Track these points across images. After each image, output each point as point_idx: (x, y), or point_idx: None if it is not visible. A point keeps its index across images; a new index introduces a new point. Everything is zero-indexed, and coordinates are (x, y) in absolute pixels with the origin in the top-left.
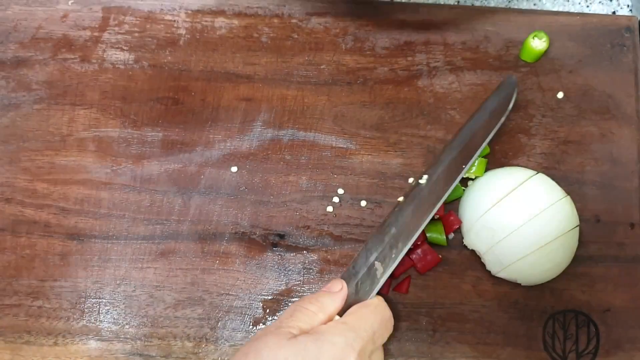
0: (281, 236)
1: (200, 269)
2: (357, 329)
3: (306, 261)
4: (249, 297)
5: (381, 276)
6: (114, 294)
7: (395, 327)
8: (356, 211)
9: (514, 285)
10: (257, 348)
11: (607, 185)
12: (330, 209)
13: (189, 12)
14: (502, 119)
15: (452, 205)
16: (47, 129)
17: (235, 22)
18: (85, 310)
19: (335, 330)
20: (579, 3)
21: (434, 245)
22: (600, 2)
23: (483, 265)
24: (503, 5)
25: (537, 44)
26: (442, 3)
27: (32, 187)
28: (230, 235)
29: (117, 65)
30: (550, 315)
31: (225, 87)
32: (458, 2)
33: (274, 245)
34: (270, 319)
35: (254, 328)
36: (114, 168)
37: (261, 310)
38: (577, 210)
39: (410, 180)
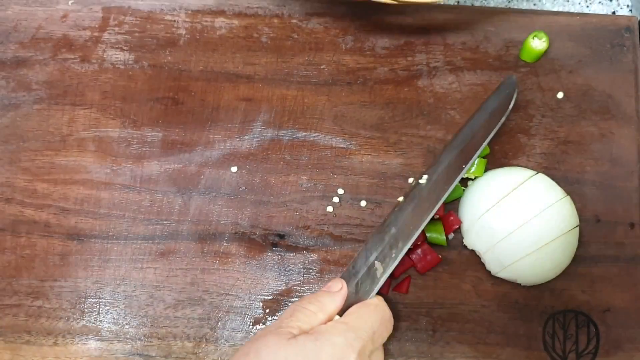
0: (281, 236)
1: (200, 269)
2: (357, 329)
3: (306, 261)
4: (249, 297)
5: (381, 276)
6: (114, 294)
7: (395, 327)
8: (356, 211)
9: (513, 285)
10: (257, 348)
11: (607, 185)
12: (330, 209)
13: (189, 12)
14: (503, 119)
15: (452, 205)
16: (47, 129)
17: (235, 22)
18: (85, 310)
19: (335, 330)
20: (579, 3)
21: (434, 245)
22: (600, 2)
23: (483, 265)
24: (503, 6)
25: (537, 44)
26: (442, 3)
27: (32, 187)
28: (230, 235)
29: (117, 65)
30: (550, 315)
31: (225, 87)
32: (458, 2)
33: (274, 245)
34: (270, 319)
35: (254, 328)
36: (114, 168)
37: (261, 310)
38: (577, 210)
39: (410, 180)
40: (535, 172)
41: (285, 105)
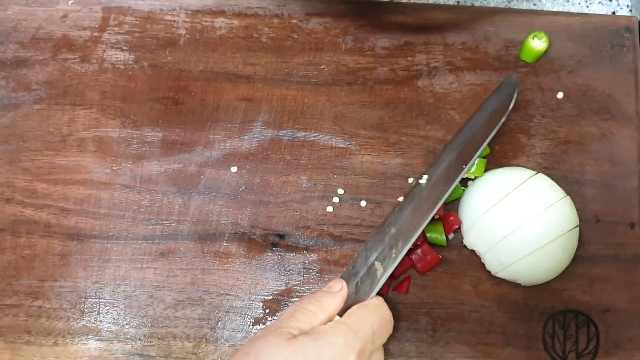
0: (281, 236)
1: (200, 269)
2: (357, 329)
3: (306, 261)
4: (249, 297)
5: (381, 276)
6: (114, 294)
7: (395, 327)
8: (356, 211)
9: (513, 285)
10: (256, 348)
11: (607, 185)
12: (330, 209)
13: (189, 12)
14: (503, 119)
15: (452, 205)
16: (47, 129)
17: (235, 22)
18: (85, 310)
19: (334, 331)
20: (579, 3)
21: (434, 245)
22: (600, 2)
23: (483, 265)
24: (503, 6)
25: (537, 44)
26: (442, 3)
27: (32, 187)
28: (230, 235)
29: (117, 65)
30: (550, 316)
31: (225, 87)
32: (458, 2)
33: (274, 245)
34: (270, 319)
35: (254, 328)
36: (114, 168)
37: (261, 310)
38: (577, 210)
39: (410, 180)
40: (535, 172)
41: (285, 105)
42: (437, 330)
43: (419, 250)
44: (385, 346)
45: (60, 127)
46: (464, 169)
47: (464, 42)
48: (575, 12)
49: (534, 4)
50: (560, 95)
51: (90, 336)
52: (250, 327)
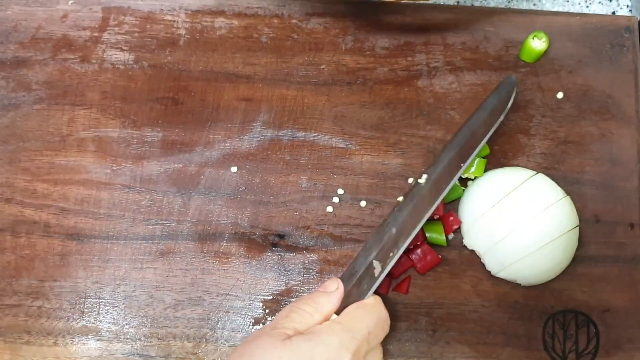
0: (281, 236)
1: (200, 269)
2: (353, 329)
3: (306, 261)
4: (249, 297)
5: (379, 275)
6: (114, 294)
7: (395, 327)
8: (356, 211)
9: (513, 285)
10: (251, 349)
11: (606, 185)
12: (330, 209)
13: (189, 12)
14: (501, 118)
15: (452, 205)
16: (47, 129)
17: (235, 22)
18: (85, 310)
19: (329, 331)
20: (579, 3)
21: (433, 245)
22: (600, 2)
23: (483, 265)
24: (503, 6)
25: (537, 44)
26: (442, 3)
27: (32, 187)
28: (230, 235)
29: (117, 66)
30: (550, 316)
31: (225, 87)
32: (458, 2)
33: (274, 245)
34: (270, 319)
35: (254, 328)
36: (114, 168)
37: (261, 311)
38: (577, 210)
39: (410, 180)
40: (535, 172)
41: (285, 105)
42: (437, 330)
43: (419, 251)
44: (385, 346)
45: (60, 127)
46: (462, 167)
47: (464, 42)
48: (575, 12)
49: (534, 4)
50: (560, 95)
51: (90, 336)
52: (250, 327)
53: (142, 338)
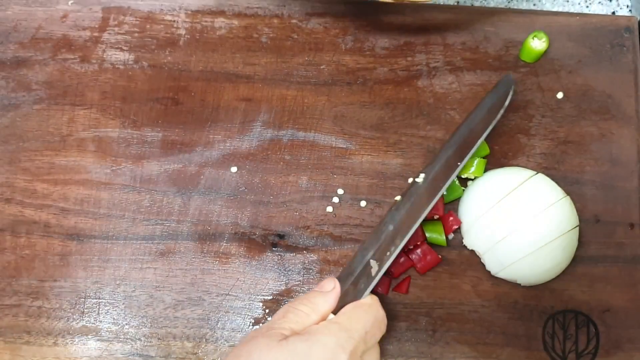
0: (281, 236)
1: (200, 269)
2: (349, 329)
3: (306, 261)
4: (249, 297)
5: (376, 274)
6: (114, 294)
7: (395, 328)
8: (356, 211)
9: (513, 285)
10: (248, 350)
11: (606, 185)
12: (330, 209)
13: (189, 12)
14: (498, 117)
15: (452, 205)
16: (47, 129)
17: (235, 22)
18: (85, 310)
19: (326, 331)
20: (579, 3)
21: (433, 245)
22: (599, 2)
23: (483, 265)
24: (503, 6)
25: (537, 44)
26: (442, 3)
27: (32, 187)
28: (230, 235)
29: (117, 66)
30: (550, 316)
31: (225, 87)
32: (458, 2)
33: (274, 245)
34: (270, 319)
35: (254, 328)
36: (114, 168)
37: (261, 311)
38: (577, 210)
39: (410, 180)
40: (535, 172)
41: (285, 105)
42: (437, 330)
43: (419, 251)
44: (385, 346)
45: (60, 127)
46: (459, 166)
47: (464, 42)
48: (575, 12)
49: (534, 4)
50: (560, 95)
51: (90, 336)
52: (250, 327)
53: (142, 338)
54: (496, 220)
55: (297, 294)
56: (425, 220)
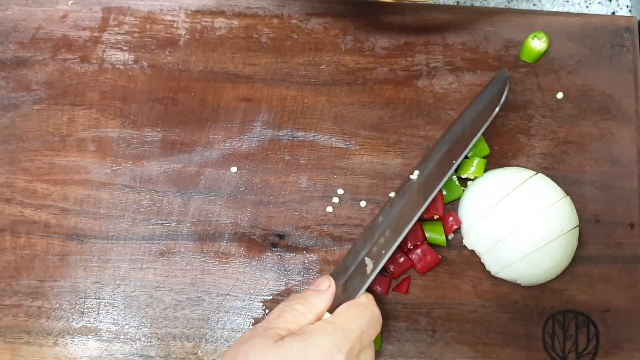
0: (281, 236)
1: (199, 269)
2: (346, 329)
3: (306, 261)
4: (249, 297)
5: (371, 272)
6: (114, 294)
7: (395, 328)
8: (356, 211)
9: (513, 285)
10: (245, 351)
11: (606, 185)
12: (329, 209)
13: (189, 12)
14: (494, 114)
15: (452, 205)
16: (47, 129)
17: (235, 22)
18: (85, 310)
19: (322, 331)
20: (579, 3)
21: (433, 245)
22: (599, 2)
23: (483, 265)
24: (502, 6)
25: (537, 44)
26: (442, 3)
27: (32, 187)
28: (230, 235)
29: (116, 66)
30: (549, 316)
31: (225, 87)
32: (458, 2)
33: (274, 245)
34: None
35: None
36: (114, 168)
37: (261, 311)
38: (577, 210)
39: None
40: (535, 172)
41: (285, 105)
42: (437, 330)
43: (418, 251)
44: (385, 346)
45: (60, 127)
46: (454, 163)
47: (464, 43)
48: (575, 12)
49: (534, 4)
50: (560, 95)
51: (89, 336)
52: (250, 327)
53: (141, 338)
54: (496, 220)
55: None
56: (425, 221)
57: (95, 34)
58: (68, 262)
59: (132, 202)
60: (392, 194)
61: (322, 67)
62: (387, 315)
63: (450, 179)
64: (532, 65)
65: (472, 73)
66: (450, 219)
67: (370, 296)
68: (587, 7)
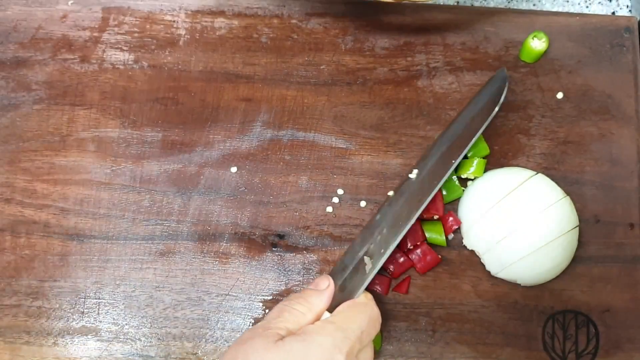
0: (281, 236)
1: (199, 269)
2: (346, 329)
3: (306, 261)
4: (249, 297)
5: (370, 271)
6: (114, 294)
7: (395, 328)
8: (356, 211)
9: (513, 285)
10: (245, 351)
11: (606, 185)
12: (329, 209)
13: (189, 12)
14: (494, 113)
15: (452, 205)
16: (47, 129)
17: (235, 22)
18: (85, 310)
19: (322, 331)
20: (579, 3)
21: (433, 245)
22: (599, 2)
23: (483, 265)
24: (502, 6)
25: (537, 44)
26: (442, 3)
27: (32, 187)
28: (229, 235)
29: (116, 66)
30: (549, 316)
31: (225, 87)
32: (458, 2)
33: (274, 245)
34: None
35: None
36: (114, 168)
37: (261, 311)
38: (577, 210)
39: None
40: (535, 173)
41: (285, 105)
42: (437, 330)
43: (418, 251)
44: (385, 346)
45: (60, 127)
46: (453, 163)
47: (464, 43)
48: (575, 12)
49: (534, 4)
50: (560, 95)
51: (89, 336)
52: (250, 327)
53: (141, 338)
54: (496, 221)
55: None
56: (425, 220)
57: (95, 34)
58: (68, 262)
59: (132, 202)
60: (390, 193)
61: (322, 67)
62: (387, 315)
63: (450, 179)
64: (532, 65)
65: (472, 73)
66: (450, 219)
67: (369, 295)
68: (587, 7)
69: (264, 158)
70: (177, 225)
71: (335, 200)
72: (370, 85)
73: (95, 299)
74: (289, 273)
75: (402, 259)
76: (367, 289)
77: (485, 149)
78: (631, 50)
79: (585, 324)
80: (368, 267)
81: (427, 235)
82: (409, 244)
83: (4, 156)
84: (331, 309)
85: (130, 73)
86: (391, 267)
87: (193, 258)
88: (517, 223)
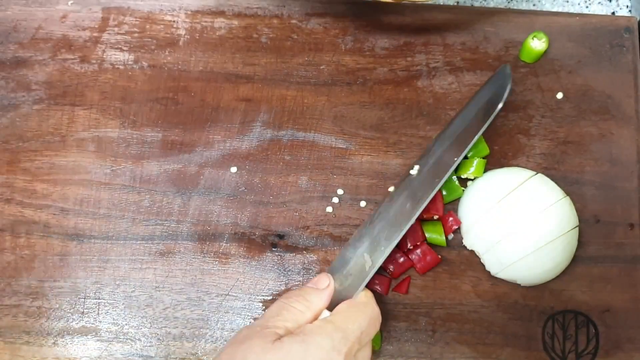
0: (281, 236)
1: (199, 269)
2: (345, 329)
3: (306, 261)
4: (249, 297)
5: (370, 269)
6: (114, 294)
7: (395, 328)
8: (356, 211)
9: (513, 285)
10: (243, 352)
11: (606, 185)
12: (329, 209)
13: (189, 12)
14: (497, 110)
15: (452, 205)
16: (47, 129)
17: (235, 22)
18: (85, 310)
19: (321, 331)
20: (579, 3)
21: (433, 245)
22: (599, 2)
23: (483, 265)
24: (502, 6)
25: (537, 44)
26: (442, 3)
27: (32, 187)
28: (229, 235)
29: (116, 66)
30: (549, 316)
31: (225, 87)
32: (458, 2)
33: (274, 245)
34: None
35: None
36: (114, 168)
37: (261, 311)
38: (577, 210)
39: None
40: (535, 173)
41: (285, 105)
42: (437, 330)
43: (418, 251)
44: (385, 346)
45: (60, 127)
46: (455, 162)
47: (464, 43)
48: (575, 12)
49: (534, 4)
50: (559, 95)
51: (89, 336)
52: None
53: (141, 338)
54: (496, 221)
55: None
56: (425, 221)
57: (95, 34)
58: (68, 262)
59: (132, 202)
60: (391, 189)
61: (322, 67)
62: (387, 315)
63: (450, 179)
64: (532, 65)
65: (472, 73)
66: (450, 219)
67: (370, 294)
68: (587, 7)
69: (264, 158)
70: (177, 225)
71: (335, 200)
72: (370, 85)
73: (95, 299)
74: (289, 273)
75: (402, 259)
76: (367, 289)
77: (485, 149)
78: (631, 51)
79: (585, 324)
80: (368, 264)
81: (427, 235)
82: (409, 244)
83: (4, 156)
84: (330, 307)
85: (130, 73)
86: (391, 267)
87: (193, 258)
88: (517, 223)
